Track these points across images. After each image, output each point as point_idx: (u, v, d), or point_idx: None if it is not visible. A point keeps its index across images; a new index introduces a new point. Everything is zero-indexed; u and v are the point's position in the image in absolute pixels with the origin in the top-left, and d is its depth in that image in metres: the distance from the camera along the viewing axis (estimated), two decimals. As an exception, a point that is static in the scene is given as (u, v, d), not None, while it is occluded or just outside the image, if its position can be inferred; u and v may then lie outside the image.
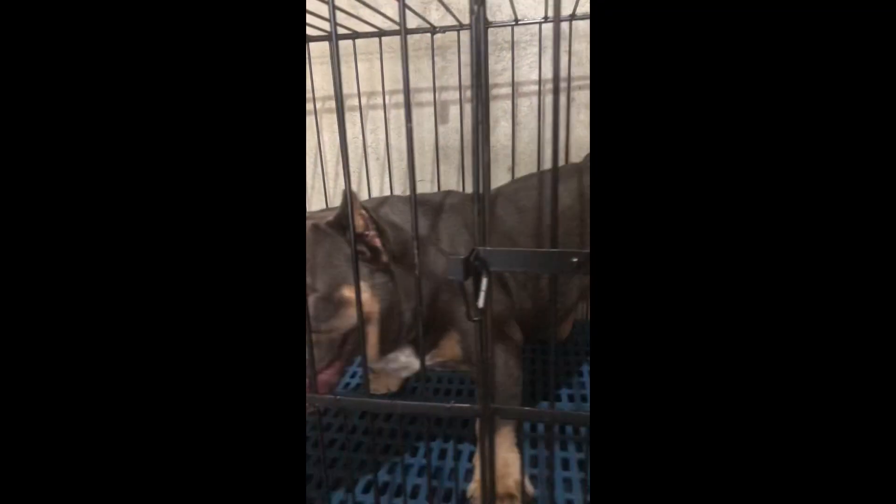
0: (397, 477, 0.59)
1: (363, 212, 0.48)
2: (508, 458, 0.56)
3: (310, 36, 0.92)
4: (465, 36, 0.96)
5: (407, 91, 0.36)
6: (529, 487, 0.54)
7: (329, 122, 1.07)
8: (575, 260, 0.35)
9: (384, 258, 0.51)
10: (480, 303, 0.37)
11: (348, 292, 0.49)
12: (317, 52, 0.97)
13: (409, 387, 0.80)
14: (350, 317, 0.49)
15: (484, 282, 0.37)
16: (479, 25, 0.34)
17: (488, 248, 0.36)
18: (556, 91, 0.33)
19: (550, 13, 0.88)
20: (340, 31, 0.87)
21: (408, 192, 1.11)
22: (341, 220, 0.50)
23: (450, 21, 0.88)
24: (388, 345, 0.54)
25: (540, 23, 0.87)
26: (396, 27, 0.87)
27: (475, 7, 0.33)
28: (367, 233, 0.50)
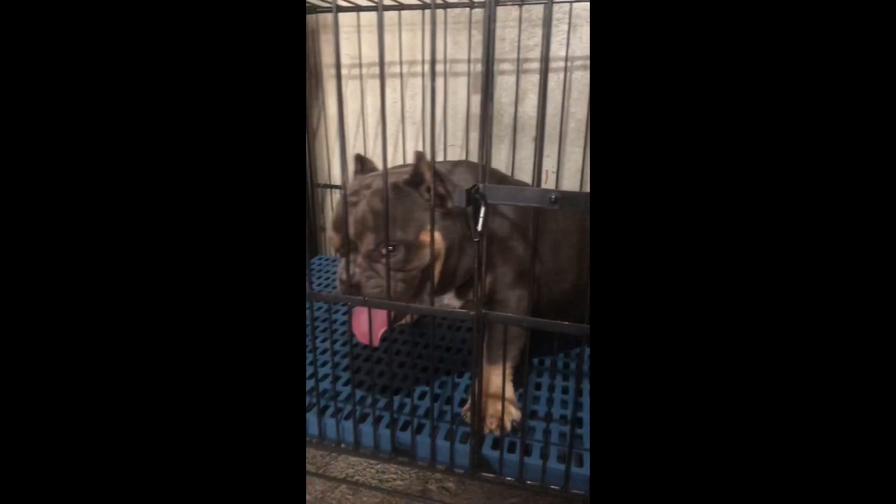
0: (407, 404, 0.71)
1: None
2: (506, 389, 0.64)
3: (360, 6, 1.02)
4: (500, 11, 1.03)
5: (433, 59, 0.45)
6: (517, 413, 0.63)
7: (372, 87, 1.17)
8: (553, 196, 0.44)
9: (449, 204, 0.61)
10: (479, 227, 0.47)
11: (424, 236, 0.60)
12: (365, 21, 1.07)
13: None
14: (425, 255, 0.60)
15: (482, 210, 0.47)
16: (492, 4, 0.43)
17: (486, 185, 0.46)
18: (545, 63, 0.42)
19: (581, -7, 0.94)
20: (386, 2, 0.97)
21: (459, 157, 1.20)
22: (415, 178, 0.61)
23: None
24: (447, 279, 0.64)
25: (571, 2, 0.94)
26: (441, 1, 0.96)
27: (488, -10, 0.43)
28: (437, 185, 0.60)
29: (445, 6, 0.96)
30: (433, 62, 0.45)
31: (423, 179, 0.60)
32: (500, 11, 1.03)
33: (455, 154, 1.18)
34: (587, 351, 0.82)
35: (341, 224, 0.59)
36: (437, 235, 0.60)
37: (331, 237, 0.63)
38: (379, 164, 0.60)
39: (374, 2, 0.97)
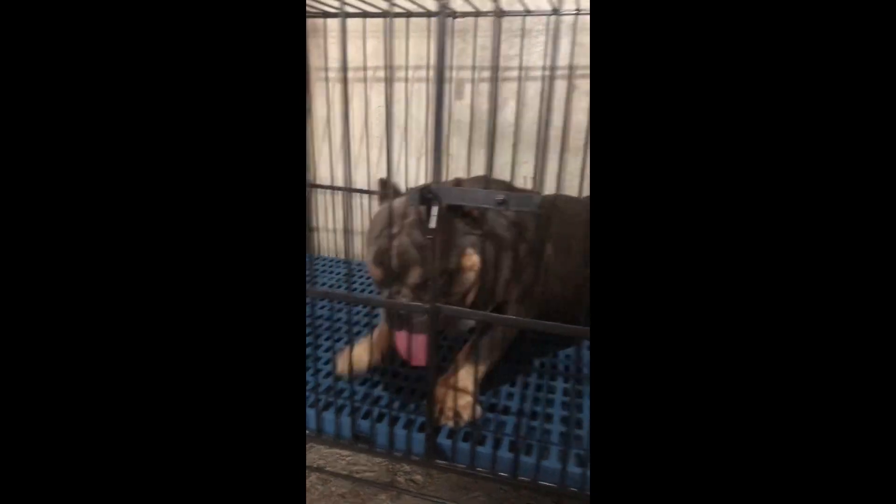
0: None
1: None
2: (469, 387, 0.67)
3: (348, 13, 1.05)
4: (483, 21, 1.07)
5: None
6: (479, 411, 0.66)
7: (358, 91, 1.20)
8: (500, 198, 0.47)
9: (485, 227, 0.64)
10: (432, 224, 0.50)
11: (465, 259, 0.63)
12: (352, 27, 1.11)
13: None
14: (467, 280, 0.63)
15: (434, 209, 0.50)
16: (443, 18, 0.46)
17: (438, 186, 0.49)
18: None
19: (558, 6, 0.97)
20: (373, 10, 1.00)
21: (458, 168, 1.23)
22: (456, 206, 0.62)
23: (468, 8, 0.99)
24: (483, 298, 0.67)
25: (549, 14, 0.98)
26: (422, 9, 0.99)
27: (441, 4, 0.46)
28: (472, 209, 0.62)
29: (407, 14, 1.00)
30: (390, 68, 0.48)
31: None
32: (482, 22, 1.07)
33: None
34: (566, 352, 0.84)
35: (384, 257, 0.60)
36: (476, 258, 0.64)
37: (372, 270, 0.64)
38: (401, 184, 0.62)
39: (359, 9, 1.01)
